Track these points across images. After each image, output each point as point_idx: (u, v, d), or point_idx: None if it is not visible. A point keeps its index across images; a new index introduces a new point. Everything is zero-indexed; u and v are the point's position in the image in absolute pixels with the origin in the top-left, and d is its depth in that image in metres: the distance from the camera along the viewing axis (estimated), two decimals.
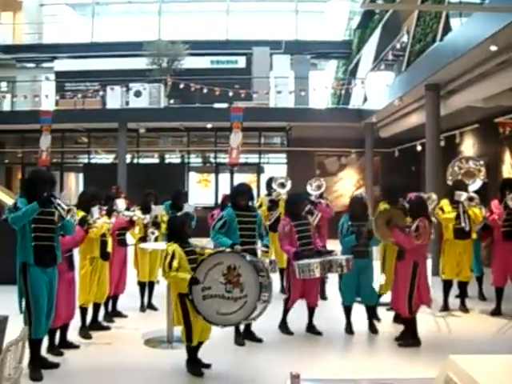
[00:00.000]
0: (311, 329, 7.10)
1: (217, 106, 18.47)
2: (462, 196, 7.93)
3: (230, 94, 17.80)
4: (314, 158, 19.35)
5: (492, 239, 8.36)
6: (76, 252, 6.49)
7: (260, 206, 9.16)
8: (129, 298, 8.07)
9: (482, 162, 9.05)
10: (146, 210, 8.12)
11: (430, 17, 12.13)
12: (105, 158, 21.93)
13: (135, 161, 21.08)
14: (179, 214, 7.78)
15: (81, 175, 21.73)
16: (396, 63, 15.06)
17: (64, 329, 6.18)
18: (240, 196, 6.73)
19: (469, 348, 6.26)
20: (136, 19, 24.30)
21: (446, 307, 8.20)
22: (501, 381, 2.52)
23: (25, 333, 3.63)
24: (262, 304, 5.27)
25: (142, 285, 8.31)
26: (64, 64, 22.55)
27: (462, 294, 8.36)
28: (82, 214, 6.24)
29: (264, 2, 24.68)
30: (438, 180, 10.83)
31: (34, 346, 5.21)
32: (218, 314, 5.22)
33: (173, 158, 21.62)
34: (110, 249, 6.85)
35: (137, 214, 7.74)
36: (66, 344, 6.22)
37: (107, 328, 7.22)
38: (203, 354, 5.68)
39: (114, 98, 18.94)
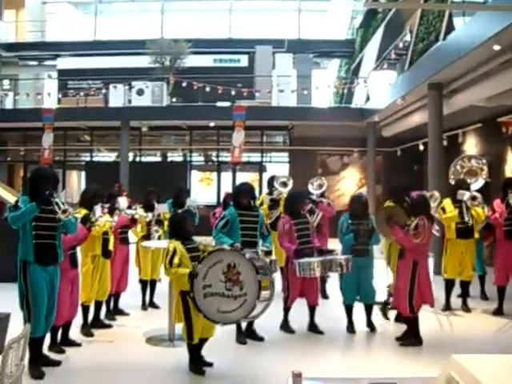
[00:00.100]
0: (313, 328, 7.09)
1: (219, 104, 18.47)
2: (465, 195, 7.92)
3: (233, 92, 17.79)
4: (316, 157, 19.36)
5: (494, 238, 8.35)
6: (78, 250, 6.48)
7: (261, 204, 9.15)
8: (131, 296, 8.08)
9: (484, 161, 9.03)
10: (148, 208, 8.13)
11: (433, 16, 12.12)
12: (107, 156, 21.95)
13: (137, 159, 21.09)
14: (181, 210, 7.80)
15: (83, 173, 21.76)
16: (399, 62, 15.04)
17: (66, 327, 6.18)
18: (242, 195, 6.73)
19: (470, 347, 6.26)
20: (139, 17, 24.33)
21: (447, 307, 8.19)
22: (503, 380, 2.51)
23: (27, 330, 3.63)
24: (261, 302, 5.26)
25: (143, 283, 8.31)
26: (66, 62, 22.57)
27: (464, 294, 8.35)
28: (84, 211, 6.25)
29: (267, 1, 24.70)
30: (441, 179, 10.82)
31: (34, 344, 5.20)
32: (218, 312, 5.23)
33: (175, 157, 21.62)
34: (111, 247, 6.86)
35: (139, 212, 7.75)
36: (68, 342, 6.23)
37: (109, 326, 7.22)
38: (204, 352, 5.68)
39: (117, 96, 18.91)
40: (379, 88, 15.05)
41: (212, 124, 18.88)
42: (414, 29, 13.52)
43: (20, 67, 24.76)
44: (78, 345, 6.29)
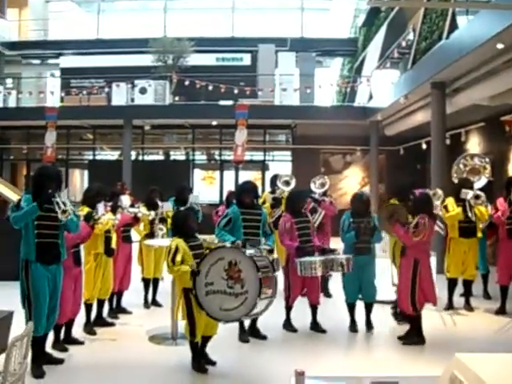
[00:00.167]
0: (315, 327, 7.10)
1: (222, 103, 18.47)
2: (469, 194, 7.91)
3: (235, 91, 17.80)
4: (319, 156, 19.35)
5: (497, 237, 8.34)
6: (81, 248, 6.49)
7: (263, 203, 9.15)
8: (133, 295, 8.09)
9: (487, 159, 9.02)
10: (150, 206, 8.13)
11: (436, 14, 12.10)
12: (110, 155, 21.97)
13: (140, 157, 21.10)
14: (183, 208, 7.80)
15: (86, 172, 21.77)
16: (402, 61, 15.02)
17: (69, 325, 6.18)
18: (245, 194, 6.74)
19: (473, 346, 6.26)
20: (141, 16, 24.31)
21: (450, 305, 8.18)
22: (506, 379, 2.51)
23: (30, 328, 3.64)
24: (263, 300, 5.25)
25: (146, 281, 8.32)
26: (69, 60, 22.57)
27: (467, 293, 8.34)
28: (87, 209, 6.25)
29: (269, 0, 24.65)
30: (444, 178, 10.81)
31: (35, 343, 5.20)
32: (220, 309, 5.23)
33: (178, 155, 21.62)
34: (114, 245, 6.87)
35: (141, 210, 7.76)
36: (71, 340, 6.24)
37: (112, 324, 7.23)
38: (207, 350, 5.69)
39: (120, 94, 18.92)
40: (382, 87, 15.02)
41: (215, 123, 18.89)
42: (417, 27, 13.50)
43: (23, 66, 24.77)
44: (81, 343, 6.31)
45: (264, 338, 6.70)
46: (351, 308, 7.19)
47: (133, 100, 19.04)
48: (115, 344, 6.51)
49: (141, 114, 18.35)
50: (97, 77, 20.63)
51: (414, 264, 6.43)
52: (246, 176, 18.83)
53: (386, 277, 7.87)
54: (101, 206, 6.47)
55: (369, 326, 7.13)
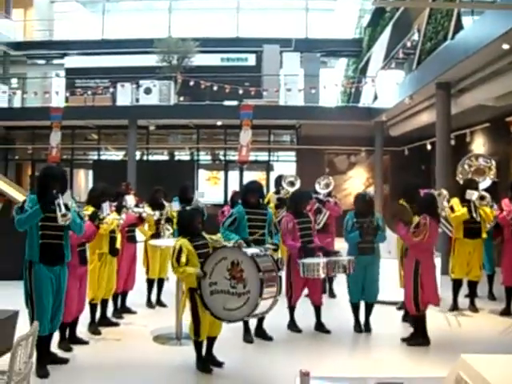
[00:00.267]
0: (320, 327, 7.09)
1: (227, 103, 18.47)
2: (474, 195, 7.89)
3: (240, 91, 17.79)
4: (324, 156, 19.33)
5: (502, 238, 8.32)
6: (87, 247, 6.49)
7: (268, 203, 9.15)
8: (138, 295, 8.09)
9: (492, 160, 8.99)
10: (154, 206, 8.13)
11: (441, 15, 12.08)
12: (114, 155, 22.01)
13: (145, 158, 21.13)
14: (189, 207, 7.79)
15: (90, 172, 21.81)
16: (406, 61, 15.00)
17: (73, 324, 6.19)
18: (250, 194, 6.74)
19: (478, 348, 6.23)
20: (146, 16, 24.35)
21: (455, 306, 8.16)
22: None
23: (35, 328, 3.64)
24: (266, 300, 5.24)
25: (150, 282, 8.32)
26: (74, 61, 22.61)
27: (472, 294, 8.32)
28: (92, 209, 6.26)
29: (274, 0, 24.65)
30: (448, 179, 10.79)
31: (40, 342, 5.20)
32: (224, 309, 5.23)
33: (182, 156, 21.64)
34: (118, 245, 6.87)
35: (146, 210, 7.76)
36: (75, 340, 6.24)
37: (116, 324, 7.24)
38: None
39: (124, 94, 18.94)
40: (387, 87, 15.02)
41: (219, 123, 18.89)
42: (422, 28, 13.48)
43: (28, 66, 24.83)
44: (86, 343, 6.32)
45: (270, 339, 6.69)
46: (355, 308, 7.18)
47: (137, 100, 19.06)
48: (120, 344, 6.51)
49: (145, 115, 18.36)
50: (102, 77, 20.68)
51: (415, 264, 6.44)
52: (250, 176, 18.84)
53: (390, 278, 7.85)
54: (106, 206, 6.47)
55: (367, 327, 7.12)
